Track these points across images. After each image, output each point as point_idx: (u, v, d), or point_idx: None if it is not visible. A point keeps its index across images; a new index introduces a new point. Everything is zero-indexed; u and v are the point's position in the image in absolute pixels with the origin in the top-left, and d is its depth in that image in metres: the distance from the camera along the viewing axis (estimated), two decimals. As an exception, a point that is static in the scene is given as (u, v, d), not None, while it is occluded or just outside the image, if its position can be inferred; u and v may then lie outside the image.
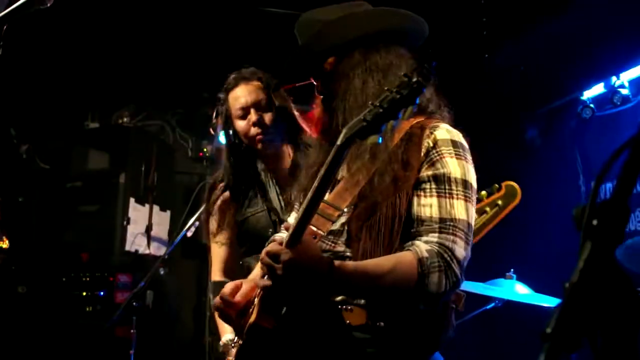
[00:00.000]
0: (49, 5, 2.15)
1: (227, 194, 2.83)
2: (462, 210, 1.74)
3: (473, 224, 1.78)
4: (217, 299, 1.85)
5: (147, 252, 5.24)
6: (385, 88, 1.52)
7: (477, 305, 3.78)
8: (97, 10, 4.36)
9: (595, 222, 0.74)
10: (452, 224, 1.71)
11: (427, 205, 1.74)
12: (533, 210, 5.13)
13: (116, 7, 4.38)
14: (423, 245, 1.68)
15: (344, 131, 1.52)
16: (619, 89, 4.73)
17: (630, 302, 0.71)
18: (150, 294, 4.76)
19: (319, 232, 1.74)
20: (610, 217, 0.74)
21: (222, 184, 2.86)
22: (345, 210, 1.81)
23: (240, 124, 2.70)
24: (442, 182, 1.75)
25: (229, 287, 1.88)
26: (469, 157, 1.84)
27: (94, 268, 4.97)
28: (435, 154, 1.78)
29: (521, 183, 5.45)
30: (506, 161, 5.56)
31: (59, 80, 5.25)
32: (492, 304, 3.74)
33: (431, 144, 1.79)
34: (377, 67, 1.87)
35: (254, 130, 2.66)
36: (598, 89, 5.02)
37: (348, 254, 1.77)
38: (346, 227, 1.80)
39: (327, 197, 1.80)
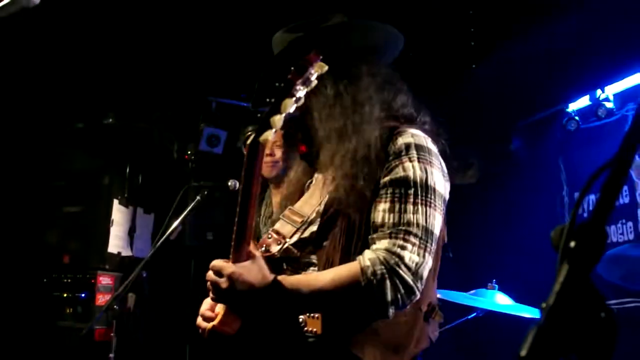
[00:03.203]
0: (36, 3, 2.14)
1: None
2: (420, 215, 1.65)
3: (435, 229, 1.68)
4: (199, 319, 1.80)
5: (129, 254, 5.21)
6: (276, 83, 1.56)
7: (458, 315, 3.80)
8: (85, 10, 4.34)
9: (573, 244, 0.75)
10: (404, 228, 1.63)
11: (383, 211, 1.68)
12: (516, 220, 5.17)
13: (104, 8, 4.36)
14: (368, 254, 1.62)
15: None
16: (603, 102, 4.78)
17: (606, 325, 0.71)
18: (132, 296, 4.73)
19: (284, 239, 1.80)
20: (588, 239, 0.75)
21: None
22: (312, 217, 1.82)
23: None
24: (400, 186, 1.69)
25: (205, 304, 1.84)
26: (436, 162, 1.76)
27: (76, 269, 4.93)
28: (396, 159, 1.72)
29: (506, 193, 5.50)
30: (491, 171, 5.59)
31: (45, 80, 5.21)
32: (474, 314, 3.76)
33: (394, 149, 1.74)
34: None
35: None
36: (583, 101, 5.07)
37: (314, 260, 1.77)
38: (314, 235, 1.79)
39: (296, 204, 1.90)
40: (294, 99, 1.53)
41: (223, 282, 1.60)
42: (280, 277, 1.65)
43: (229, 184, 3.77)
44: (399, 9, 4.16)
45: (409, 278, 1.59)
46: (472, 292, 3.65)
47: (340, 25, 1.93)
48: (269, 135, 1.52)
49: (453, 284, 3.80)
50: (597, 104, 4.84)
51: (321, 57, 1.57)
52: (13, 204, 5.37)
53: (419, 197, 1.67)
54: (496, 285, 3.66)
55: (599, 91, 4.88)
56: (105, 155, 5.29)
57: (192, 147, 5.81)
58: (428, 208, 1.67)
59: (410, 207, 1.66)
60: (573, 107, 5.13)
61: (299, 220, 1.84)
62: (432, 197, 1.69)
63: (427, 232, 1.65)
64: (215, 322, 1.70)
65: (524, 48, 4.45)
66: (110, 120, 5.67)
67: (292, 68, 1.54)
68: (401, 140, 1.74)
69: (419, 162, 1.71)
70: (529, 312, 3.38)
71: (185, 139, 6.03)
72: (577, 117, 5.01)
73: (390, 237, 1.63)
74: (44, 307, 4.91)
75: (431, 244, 1.66)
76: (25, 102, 5.34)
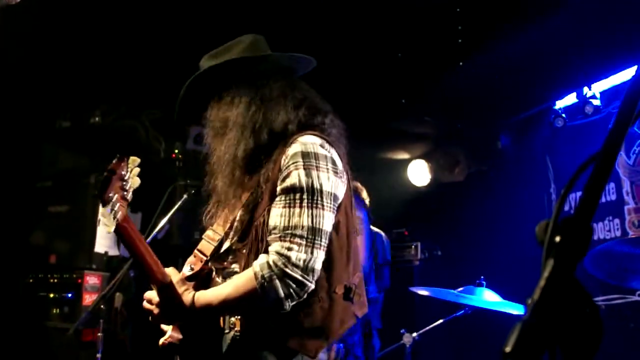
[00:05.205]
0: (18, 1, 2.11)
1: None
2: (305, 217, 1.89)
3: (324, 226, 1.92)
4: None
5: (116, 253, 5.18)
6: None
7: (447, 312, 3.80)
8: (71, 7, 4.30)
9: (558, 239, 0.74)
10: (291, 231, 1.88)
11: (275, 216, 1.93)
12: (504, 217, 5.18)
13: (91, 6, 4.32)
14: (260, 259, 1.88)
15: None
16: (590, 100, 4.81)
17: (591, 320, 0.71)
18: (119, 296, 4.68)
19: (203, 256, 2.15)
20: (573, 234, 0.74)
21: None
22: (230, 233, 2.11)
23: None
24: (289, 193, 1.93)
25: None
26: (323, 165, 1.97)
27: (62, 269, 4.89)
28: (286, 169, 1.96)
29: (493, 191, 5.51)
30: (479, 169, 5.61)
31: (30, 78, 5.16)
32: (462, 311, 3.77)
33: (285, 160, 1.97)
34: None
35: None
36: (570, 99, 5.10)
37: (237, 269, 2.02)
38: (233, 247, 2.07)
39: (215, 224, 2.20)
40: (110, 207, 1.98)
41: (155, 310, 2.03)
42: (196, 296, 1.98)
43: None
44: (386, 8, 4.15)
45: (297, 274, 1.85)
46: (460, 289, 3.66)
47: (235, 59, 2.18)
48: (111, 229, 1.97)
49: (442, 282, 3.80)
50: (584, 101, 4.87)
51: (124, 160, 2.03)
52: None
53: (305, 200, 1.91)
54: (484, 282, 3.67)
55: (585, 89, 4.90)
56: (92, 154, 5.24)
57: (179, 146, 5.78)
58: (315, 209, 1.91)
59: (297, 211, 1.91)
60: (560, 104, 5.15)
61: (217, 237, 2.16)
62: (319, 198, 1.93)
63: (314, 230, 1.90)
64: (167, 337, 2.07)
65: (511, 46, 4.46)
66: (97, 119, 5.63)
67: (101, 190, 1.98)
68: (290, 150, 1.97)
69: (304, 169, 1.94)
70: (517, 309, 3.39)
71: (172, 138, 6.00)
72: (564, 115, 5.03)
73: (280, 240, 1.89)
74: (30, 308, 4.86)
75: (320, 240, 1.91)
76: (11, 101, 5.30)
